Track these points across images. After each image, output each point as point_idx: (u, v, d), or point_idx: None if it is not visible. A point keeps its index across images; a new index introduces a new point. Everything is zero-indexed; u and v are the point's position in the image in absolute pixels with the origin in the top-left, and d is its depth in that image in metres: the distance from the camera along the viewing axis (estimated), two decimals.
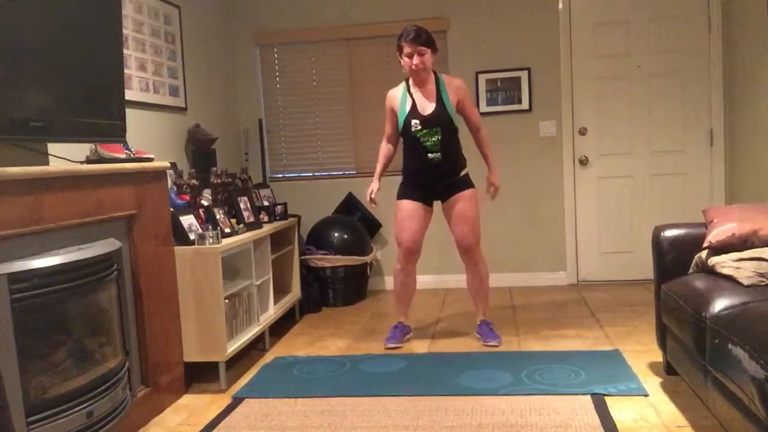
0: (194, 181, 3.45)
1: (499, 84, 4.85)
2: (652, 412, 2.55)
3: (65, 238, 2.30)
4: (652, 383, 2.84)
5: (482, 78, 4.85)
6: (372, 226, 4.96)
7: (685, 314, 2.38)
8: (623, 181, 4.83)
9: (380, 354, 3.45)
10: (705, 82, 4.66)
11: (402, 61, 3.40)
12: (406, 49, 3.34)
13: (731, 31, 4.46)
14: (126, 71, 3.21)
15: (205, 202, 3.48)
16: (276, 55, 5.12)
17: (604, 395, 2.71)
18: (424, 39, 3.34)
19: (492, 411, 2.61)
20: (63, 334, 2.25)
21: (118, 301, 2.53)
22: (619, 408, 2.60)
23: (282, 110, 5.16)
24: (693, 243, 2.75)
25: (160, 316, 2.87)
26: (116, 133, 2.67)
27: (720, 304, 2.20)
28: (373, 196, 3.59)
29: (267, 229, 3.76)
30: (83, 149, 2.74)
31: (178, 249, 3.03)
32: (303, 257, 4.50)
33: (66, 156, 2.60)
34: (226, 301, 3.13)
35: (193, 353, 3.06)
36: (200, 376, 3.20)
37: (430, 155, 3.41)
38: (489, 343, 3.49)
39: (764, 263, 2.38)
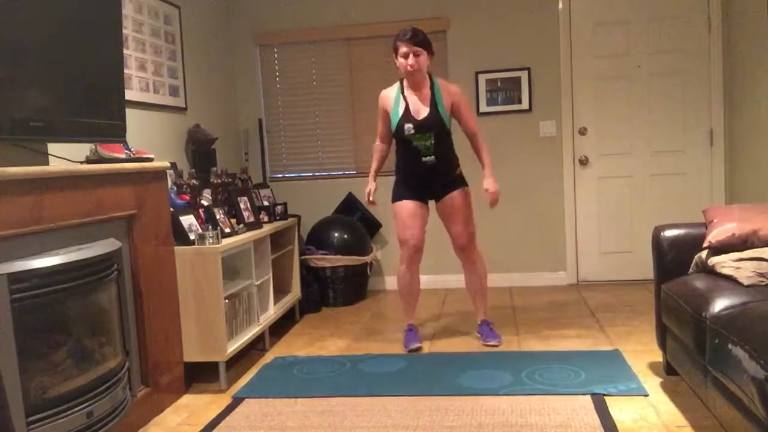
0: (194, 181, 3.45)
1: (499, 84, 4.85)
2: (652, 412, 2.55)
3: (65, 238, 2.30)
4: (652, 383, 2.85)
5: (482, 78, 4.85)
6: (372, 226, 4.96)
7: (685, 314, 2.38)
8: (623, 181, 4.83)
9: (380, 354, 3.45)
10: (705, 82, 4.66)
11: (397, 61, 3.38)
12: (402, 49, 3.33)
13: (731, 31, 4.46)
14: (126, 71, 3.21)
15: (205, 202, 3.48)
16: (276, 55, 5.12)
17: (604, 395, 2.71)
18: (420, 39, 3.33)
19: (492, 411, 2.61)
20: (63, 334, 2.25)
21: (118, 301, 2.53)
22: (619, 408, 2.60)
23: (282, 110, 5.16)
24: (693, 243, 2.75)
25: (160, 316, 2.87)
26: (116, 133, 2.67)
27: (720, 304, 2.20)
28: (371, 198, 3.60)
29: (267, 229, 3.76)
30: (83, 149, 2.74)
31: (178, 249, 3.03)
32: (303, 257, 4.50)
33: (66, 156, 2.60)
34: (226, 301, 3.13)
35: (193, 353, 3.06)
36: (200, 376, 3.20)
37: (424, 158, 3.42)
38: (489, 343, 3.49)
39: (764, 263, 2.38)
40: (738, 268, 2.41)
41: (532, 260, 4.96)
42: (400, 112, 3.42)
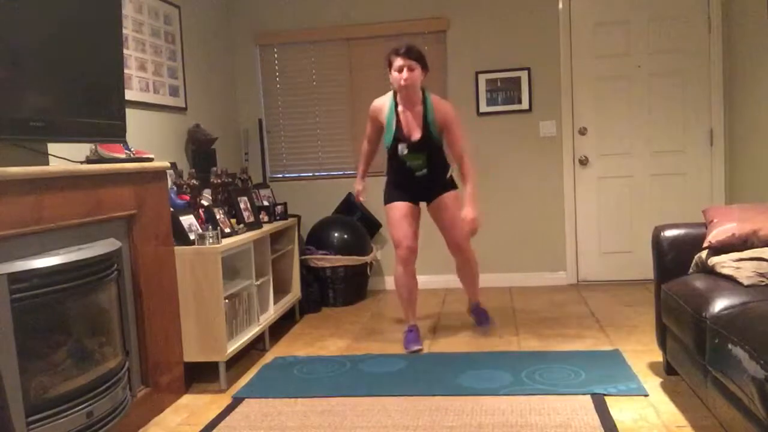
0: (194, 181, 3.45)
1: (499, 84, 4.85)
2: (652, 412, 2.55)
3: (65, 238, 2.30)
4: (652, 383, 2.85)
5: (482, 78, 4.85)
6: (372, 226, 4.96)
7: (685, 314, 2.38)
8: (623, 181, 4.83)
9: (380, 354, 3.45)
10: (705, 82, 4.66)
11: (391, 76, 3.36)
12: (396, 63, 3.31)
13: (731, 31, 4.46)
14: (126, 71, 3.21)
15: (205, 202, 3.48)
16: (276, 55, 5.12)
17: (604, 395, 2.71)
18: (415, 54, 3.31)
19: (492, 411, 2.61)
20: (63, 334, 2.25)
21: (118, 301, 2.53)
22: (619, 408, 2.60)
23: (282, 110, 5.16)
24: (693, 243, 2.75)
25: (160, 316, 2.87)
26: (116, 133, 2.67)
27: (720, 304, 2.20)
28: (361, 199, 3.79)
29: (267, 229, 3.76)
30: (83, 149, 2.74)
31: (178, 249, 3.03)
32: (303, 257, 4.50)
33: (66, 156, 2.60)
34: (226, 301, 3.13)
35: (193, 353, 3.06)
36: (200, 376, 3.20)
37: (417, 173, 3.49)
38: (482, 326, 3.74)
39: (764, 263, 2.38)
40: (738, 268, 2.41)
41: (532, 260, 4.96)
42: (393, 128, 3.44)
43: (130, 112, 3.14)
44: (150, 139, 3.66)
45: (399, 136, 3.43)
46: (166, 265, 2.94)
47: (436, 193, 3.55)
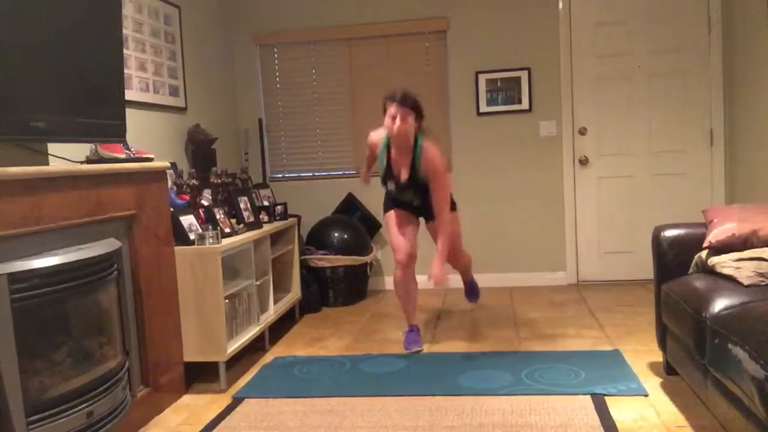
0: (194, 181, 3.46)
1: (499, 84, 4.85)
2: (652, 412, 2.55)
3: (65, 238, 2.30)
4: (652, 383, 2.85)
5: (482, 78, 4.85)
6: (372, 226, 4.96)
7: (685, 314, 2.38)
8: (623, 181, 4.83)
9: (380, 354, 3.45)
10: (705, 82, 4.66)
11: (385, 120, 3.32)
12: (390, 110, 3.27)
13: (731, 31, 4.46)
14: (126, 71, 3.21)
15: (205, 202, 3.48)
16: (276, 55, 5.12)
17: (604, 395, 2.71)
18: (410, 103, 3.26)
19: (492, 411, 2.61)
20: (63, 334, 2.25)
21: (118, 301, 2.54)
22: (619, 408, 2.60)
23: (282, 110, 5.16)
24: (693, 243, 2.75)
25: (160, 316, 2.87)
26: (116, 133, 2.67)
27: (720, 304, 2.20)
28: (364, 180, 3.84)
29: (267, 229, 3.76)
30: (83, 149, 2.74)
31: (178, 249, 3.03)
32: (303, 257, 4.50)
33: (66, 156, 2.60)
34: (226, 301, 3.13)
35: (193, 353, 3.06)
36: (200, 376, 3.20)
37: (411, 202, 3.55)
38: (471, 300, 4.11)
39: (764, 263, 2.38)
40: (738, 268, 2.41)
41: (532, 260, 4.96)
42: (384, 164, 3.46)
43: (130, 112, 3.14)
44: (150, 139, 3.66)
45: (389, 174, 3.47)
46: (166, 265, 2.94)
47: (433, 215, 3.51)
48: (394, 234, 3.52)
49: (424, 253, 3.88)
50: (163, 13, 3.91)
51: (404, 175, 3.40)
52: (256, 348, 3.65)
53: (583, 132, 4.82)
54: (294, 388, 3.00)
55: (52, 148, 2.54)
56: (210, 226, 3.26)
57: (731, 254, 2.50)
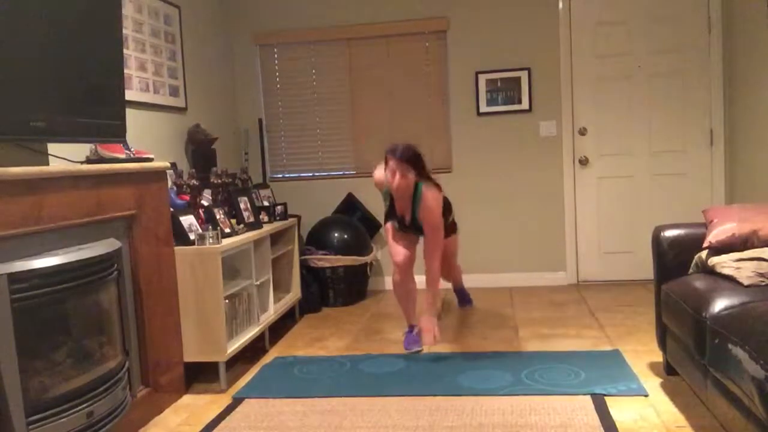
0: (194, 181, 3.45)
1: (499, 84, 4.85)
2: (652, 412, 2.55)
3: (65, 238, 2.30)
4: (652, 383, 2.84)
5: (482, 78, 4.85)
6: (372, 226, 4.96)
7: (685, 314, 2.38)
8: (623, 181, 4.83)
9: (380, 354, 3.45)
10: (705, 82, 4.66)
11: (386, 173, 3.33)
12: (391, 164, 3.28)
13: (731, 31, 4.46)
14: (126, 71, 3.21)
15: (205, 202, 3.48)
16: (276, 55, 5.12)
17: (604, 395, 2.71)
18: (410, 158, 3.26)
19: (492, 411, 2.61)
20: (63, 334, 2.25)
21: (118, 301, 2.54)
22: (619, 408, 2.60)
23: (282, 110, 5.16)
24: (693, 243, 2.75)
25: (160, 316, 2.87)
26: (116, 133, 2.67)
27: (720, 304, 2.20)
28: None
29: (267, 229, 3.76)
30: (83, 149, 2.74)
31: (178, 249, 3.03)
32: (303, 257, 4.50)
33: (66, 156, 2.60)
34: (226, 301, 3.13)
35: (193, 353, 3.06)
36: (200, 376, 3.20)
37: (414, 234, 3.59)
38: (465, 306, 4.30)
39: (764, 263, 2.38)
40: (738, 268, 2.41)
41: (532, 260, 4.96)
42: (388, 203, 3.52)
43: (130, 112, 3.14)
44: (150, 139, 3.66)
45: (392, 213, 3.51)
46: (166, 265, 2.94)
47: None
48: (393, 243, 3.56)
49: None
50: (163, 13, 3.91)
51: (408, 217, 3.47)
52: (256, 348, 3.65)
53: (583, 132, 4.82)
54: (294, 388, 3.00)
55: (52, 148, 2.54)
56: (210, 226, 3.26)
57: (731, 254, 2.50)
